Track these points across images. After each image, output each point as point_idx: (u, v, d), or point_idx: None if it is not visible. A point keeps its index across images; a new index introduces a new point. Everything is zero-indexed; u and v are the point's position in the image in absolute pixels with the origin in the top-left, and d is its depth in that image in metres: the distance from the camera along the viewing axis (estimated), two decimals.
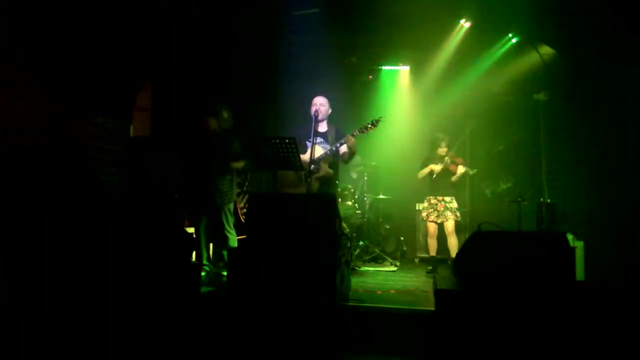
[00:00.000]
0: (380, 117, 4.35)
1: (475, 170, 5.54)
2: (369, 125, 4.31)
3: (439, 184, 5.56)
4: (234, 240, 4.97)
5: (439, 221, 5.51)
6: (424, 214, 5.65)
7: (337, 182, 4.74)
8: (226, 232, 4.98)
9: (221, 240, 5.06)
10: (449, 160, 5.47)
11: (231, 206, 5.09)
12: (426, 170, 5.57)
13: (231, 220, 5.04)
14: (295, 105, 6.85)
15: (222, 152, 4.97)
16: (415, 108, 7.25)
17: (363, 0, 5.80)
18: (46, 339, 3.12)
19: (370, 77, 7.46)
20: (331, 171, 4.46)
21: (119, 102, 5.49)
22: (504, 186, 6.85)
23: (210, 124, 5.06)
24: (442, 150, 5.55)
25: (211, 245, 5.33)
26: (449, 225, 5.45)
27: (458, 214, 5.51)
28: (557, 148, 6.16)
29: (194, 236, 5.03)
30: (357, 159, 5.95)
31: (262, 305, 3.11)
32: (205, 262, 5.01)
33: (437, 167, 5.49)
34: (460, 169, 5.40)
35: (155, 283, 3.14)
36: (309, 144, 4.43)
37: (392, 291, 4.29)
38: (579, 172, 5.71)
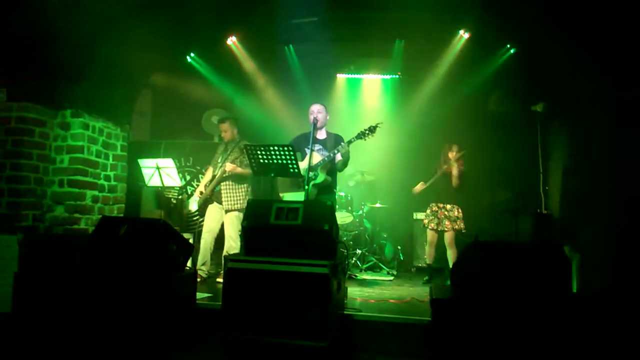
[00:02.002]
0: (378, 124, 4.33)
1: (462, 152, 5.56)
2: (367, 132, 4.29)
3: (440, 191, 5.58)
4: (236, 248, 4.94)
5: (438, 229, 5.51)
6: (425, 221, 5.64)
7: (335, 189, 4.73)
8: (229, 238, 4.98)
9: (222, 246, 5.06)
10: (453, 163, 5.48)
11: (240, 215, 5.04)
12: (416, 188, 5.71)
13: (237, 227, 5.00)
14: (294, 112, 6.90)
15: (234, 158, 5.02)
16: (412, 117, 7.27)
17: (362, 10, 5.82)
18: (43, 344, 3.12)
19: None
20: (329, 178, 4.47)
21: (118, 107, 5.50)
22: (502, 197, 6.86)
23: (230, 131, 5.17)
24: (452, 155, 5.56)
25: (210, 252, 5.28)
26: (448, 237, 5.44)
27: (458, 224, 5.46)
28: (555, 159, 6.17)
29: (191, 241, 5.02)
30: (349, 168, 5.97)
31: (257, 313, 3.10)
32: (201, 267, 4.99)
33: (417, 188, 5.69)
34: (454, 169, 5.46)
35: (148, 289, 3.12)
36: (308, 151, 4.43)
37: (390, 300, 4.29)
38: (575, 183, 5.72)
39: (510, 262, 2.93)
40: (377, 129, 4.29)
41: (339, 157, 4.41)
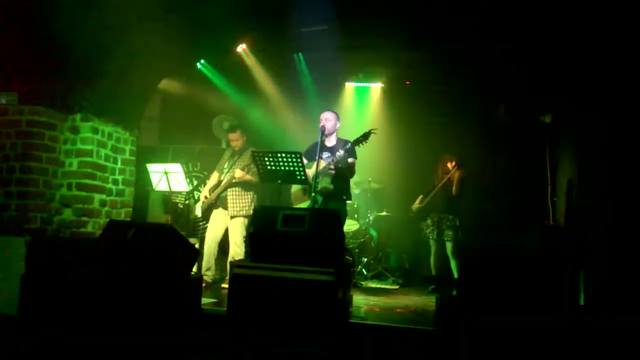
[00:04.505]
0: (372, 130, 4.21)
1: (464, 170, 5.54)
2: (361, 139, 4.19)
3: (441, 201, 5.56)
4: (240, 254, 4.94)
5: (440, 239, 5.49)
6: (427, 232, 5.63)
7: (344, 197, 4.63)
8: (234, 244, 4.98)
9: (226, 252, 5.07)
10: (454, 171, 5.48)
11: (245, 221, 5.07)
12: (415, 205, 5.70)
13: (242, 233, 5.02)
14: (303, 119, 6.92)
15: (244, 165, 5.05)
16: (420, 126, 7.26)
17: (371, 18, 5.83)
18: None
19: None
20: (331, 186, 4.35)
21: (128, 111, 5.55)
22: (507, 208, 6.81)
23: (241, 139, 5.20)
24: (451, 165, 5.57)
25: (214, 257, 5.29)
26: (449, 247, 5.42)
27: (460, 234, 5.44)
28: (562, 169, 6.13)
29: (197, 246, 5.03)
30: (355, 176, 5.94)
31: (262, 319, 3.10)
32: (206, 272, 5.00)
33: (416, 204, 5.68)
34: (455, 177, 5.44)
35: (153, 294, 3.12)
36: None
37: (395, 309, 4.26)
38: (582, 195, 5.68)
39: (517, 274, 2.92)
40: (371, 135, 4.18)
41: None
